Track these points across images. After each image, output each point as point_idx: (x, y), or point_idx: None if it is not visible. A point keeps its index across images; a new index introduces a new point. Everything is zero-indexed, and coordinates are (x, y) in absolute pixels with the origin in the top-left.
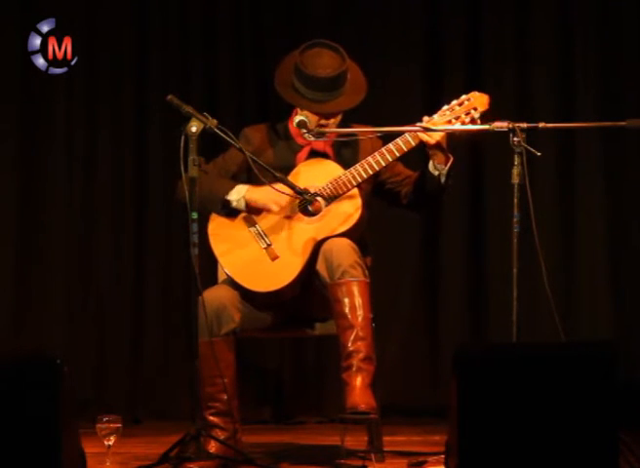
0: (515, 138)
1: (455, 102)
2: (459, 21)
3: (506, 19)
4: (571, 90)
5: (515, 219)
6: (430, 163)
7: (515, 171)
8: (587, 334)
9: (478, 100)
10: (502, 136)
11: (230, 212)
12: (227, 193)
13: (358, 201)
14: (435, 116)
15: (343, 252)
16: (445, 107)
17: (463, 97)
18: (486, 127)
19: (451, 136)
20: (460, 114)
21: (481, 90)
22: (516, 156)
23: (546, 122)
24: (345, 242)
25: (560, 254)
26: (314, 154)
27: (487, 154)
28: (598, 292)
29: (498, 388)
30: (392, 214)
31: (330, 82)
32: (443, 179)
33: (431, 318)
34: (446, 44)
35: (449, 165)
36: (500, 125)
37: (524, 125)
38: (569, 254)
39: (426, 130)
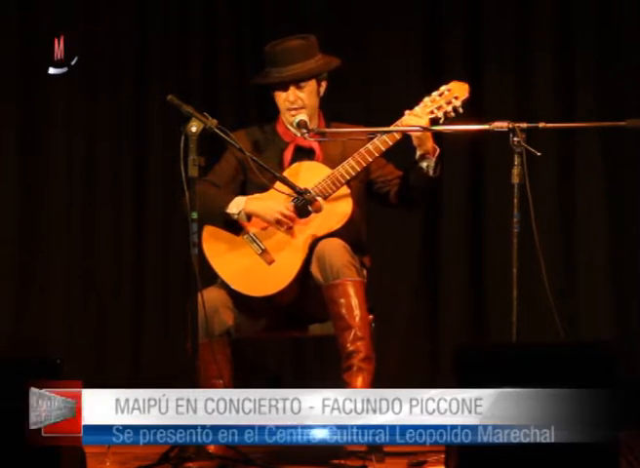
0: (515, 138)
1: (435, 93)
2: (459, 21)
3: (507, 18)
4: (571, 89)
5: (515, 219)
6: (418, 154)
7: (515, 171)
8: (587, 334)
9: (458, 89)
10: (502, 136)
11: (233, 225)
12: (226, 206)
13: (349, 198)
14: (417, 108)
15: (336, 252)
16: (426, 99)
17: (443, 87)
18: (486, 127)
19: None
20: (441, 104)
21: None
22: (516, 156)
23: (546, 122)
24: (337, 242)
25: (560, 254)
26: (300, 151)
27: (487, 154)
28: (598, 291)
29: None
30: (392, 213)
31: (283, 55)
32: (431, 171)
33: (431, 318)
34: (446, 43)
35: (436, 155)
36: (500, 125)
37: (524, 125)
38: (569, 255)
39: (425, 129)
